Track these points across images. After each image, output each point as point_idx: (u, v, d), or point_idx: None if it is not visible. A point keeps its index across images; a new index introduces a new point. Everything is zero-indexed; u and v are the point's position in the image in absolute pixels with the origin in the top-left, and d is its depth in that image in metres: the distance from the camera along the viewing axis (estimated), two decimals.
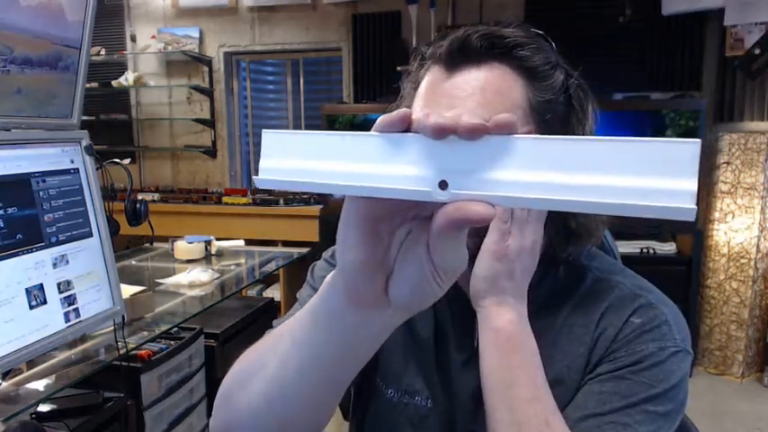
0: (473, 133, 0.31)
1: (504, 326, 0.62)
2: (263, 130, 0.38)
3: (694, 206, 0.26)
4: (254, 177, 0.38)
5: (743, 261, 3.21)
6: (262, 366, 0.52)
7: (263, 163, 0.37)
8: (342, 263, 0.39)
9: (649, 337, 0.64)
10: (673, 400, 0.62)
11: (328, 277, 0.43)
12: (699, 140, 0.27)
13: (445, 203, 0.32)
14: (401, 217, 0.37)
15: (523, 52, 0.64)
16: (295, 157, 0.36)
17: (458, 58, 0.65)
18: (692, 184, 0.26)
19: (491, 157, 0.31)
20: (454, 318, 0.73)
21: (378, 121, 0.35)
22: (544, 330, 0.68)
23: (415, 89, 0.69)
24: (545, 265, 0.70)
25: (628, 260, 0.81)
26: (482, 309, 0.64)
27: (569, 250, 0.70)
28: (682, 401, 0.64)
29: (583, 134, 0.68)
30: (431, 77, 0.67)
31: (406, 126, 0.34)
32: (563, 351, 0.68)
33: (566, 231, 0.69)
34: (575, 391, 0.66)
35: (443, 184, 0.32)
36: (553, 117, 0.65)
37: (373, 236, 0.37)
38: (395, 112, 0.34)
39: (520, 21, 0.68)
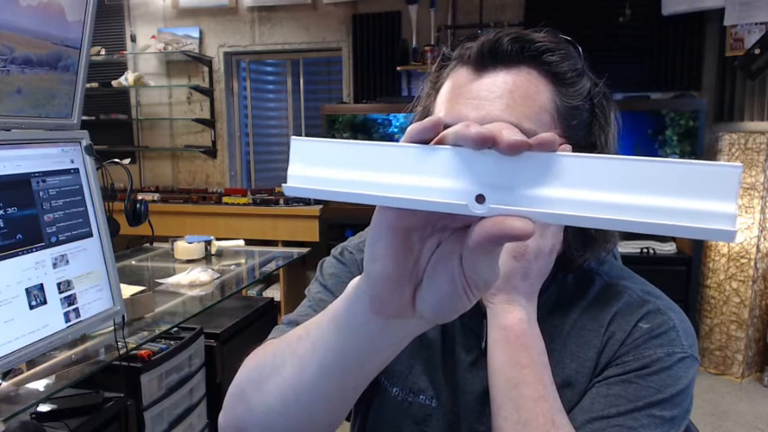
0: (514, 150, 0.30)
1: (513, 324, 0.62)
2: (292, 137, 0.37)
3: (735, 229, 0.26)
4: (283, 185, 0.37)
5: (743, 261, 3.21)
6: (278, 367, 0.51)
7: (291, 170, 0.37)
8: (369, 272, 0.38)
9: (657, 343, 0.65)
10: (679, 406, 0.63)
11: (352, 283, 0.43)
12: (741, 165, 0.27)
13: (482, 218, 0.31)
14: (432, 227, 0.37)
15: (553, 57, 0.64)
16: (324, 166, 0.36)
17: (487, 60, 0.64)
18: (732, 207, 0.26)
19: (531, 173, 0.30)
20: (462, 318, 0.73)
21: (408, 130, 0.34)
22: (553, 333, 0.68)
23: (436, 90, 0.69)
24: (556, 268, 0.70)
25: (628, 260, 0.81)
26: (492, 305, 0.64)
27: (586, 255, 0.69)
28: (687, 407, 0.64)
29: (605, 141, 0.68)
30: (456, 78, 0.67)
31: (438, 132, 0.33)
32: (573, 354, 0.68)
33: (584, 236, 0.68)
34: (583, 394, 0.66)
35: (480, 198, 0.31)
36: (578, 123, 0.65)
37: (403, 246, 0.36)
38: (426, 120, 0.34)
39: (548, 27, 0.68)
